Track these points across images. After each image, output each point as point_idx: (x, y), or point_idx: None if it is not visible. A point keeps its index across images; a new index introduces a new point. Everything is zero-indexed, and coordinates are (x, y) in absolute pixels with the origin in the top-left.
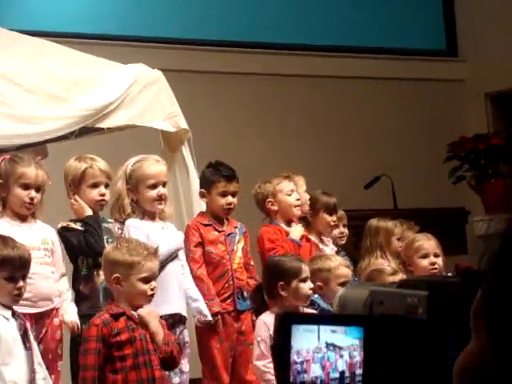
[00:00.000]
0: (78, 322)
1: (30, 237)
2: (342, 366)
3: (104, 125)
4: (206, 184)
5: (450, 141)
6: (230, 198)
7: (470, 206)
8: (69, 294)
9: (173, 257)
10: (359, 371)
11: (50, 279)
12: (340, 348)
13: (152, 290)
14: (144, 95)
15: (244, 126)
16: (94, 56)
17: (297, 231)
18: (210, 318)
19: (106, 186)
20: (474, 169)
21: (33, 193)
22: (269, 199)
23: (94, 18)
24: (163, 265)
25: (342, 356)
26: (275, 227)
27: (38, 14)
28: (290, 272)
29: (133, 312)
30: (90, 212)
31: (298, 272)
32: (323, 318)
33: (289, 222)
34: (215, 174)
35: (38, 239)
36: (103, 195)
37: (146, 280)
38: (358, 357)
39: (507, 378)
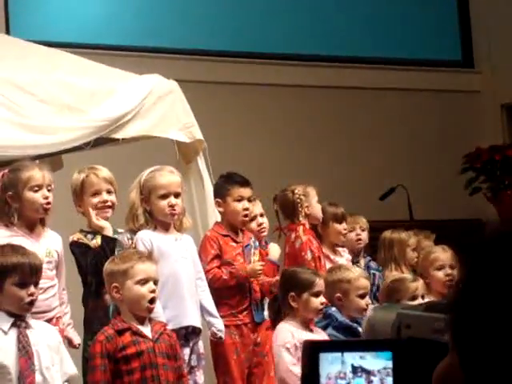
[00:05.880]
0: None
1: (36, 249)
2: None
3: (119, 135)
4: (221, 193)
5: (465, 152)
6: (246, 204)
7: (486, 218)
8: (68, 317)
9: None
10: None
11: (49, 293)
12: (369, 372)
13: (151, 292)
14: (159, 106)
15: (259, 137)
16: (109, 67)
17: (275, 251)
18: (223, 334)
19: (109, 192)
20: (489, 180)
21: (46, 192)
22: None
23: (110, 29)
24: None
25: (371, 382)
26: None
27: (55, 25)
28: (303, 284)
29: (139, 327)
30: (109, 232)
31: (310, 285)
32: (351, 345)
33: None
34: (228, 182)
35: (43, 252)
36: (105, 202)
37: (142, 282)
38: (392, 383)
39: None
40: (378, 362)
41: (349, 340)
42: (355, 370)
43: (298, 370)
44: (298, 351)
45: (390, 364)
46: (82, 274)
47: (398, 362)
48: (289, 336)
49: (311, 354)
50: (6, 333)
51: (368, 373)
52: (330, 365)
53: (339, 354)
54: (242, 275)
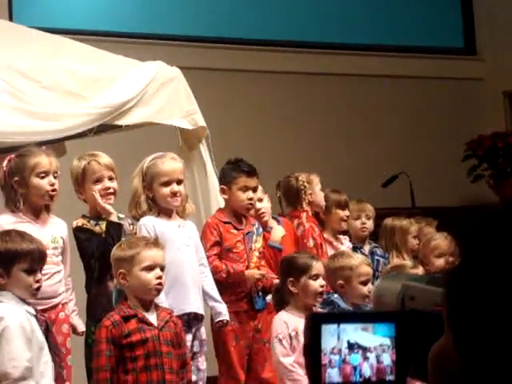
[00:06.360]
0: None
1: (41, 235)
2: (367, 371)
3: (122, 122)
4: (227, 180)
5: (468, 139)
6: (250, 194)
7: None
8: (72, 304)
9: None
10: (391, 377)
11: (54, 279)
12: (365, 349)
13: (158, 278)
14: (162, 93)
15: (262, 124)
16: (113, 53)
17: (277, 234)
18: (227, 318)
19: (111, 179)
20: (492, 167)
21: (52, 179)
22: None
23: (113, 15)
24: None
25: (367, 358)
26: None
27: (57, 12)
28: (299, 268)
29: (144, 313)
30: (115, 217)
31: (307, 268)
32: (353, 316)
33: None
34: (235, 170)
35: (48, 238)
36: (107, 189)
37: (149, 269)
38: (388, 359)
39: (467, 367)
40: (375, 339)
41: (352, 312)
42: (351, 346)
43: (288, 361)
44: (292, 340)
45: (386, 341)
46: (86, 260)
47: (401, 333)
48: (282, 327)
49: (313, 325)
50: (33, 316)
51: (364, 349)
52: (331, 337)
53: (339, 328)
54: (240, 279)
